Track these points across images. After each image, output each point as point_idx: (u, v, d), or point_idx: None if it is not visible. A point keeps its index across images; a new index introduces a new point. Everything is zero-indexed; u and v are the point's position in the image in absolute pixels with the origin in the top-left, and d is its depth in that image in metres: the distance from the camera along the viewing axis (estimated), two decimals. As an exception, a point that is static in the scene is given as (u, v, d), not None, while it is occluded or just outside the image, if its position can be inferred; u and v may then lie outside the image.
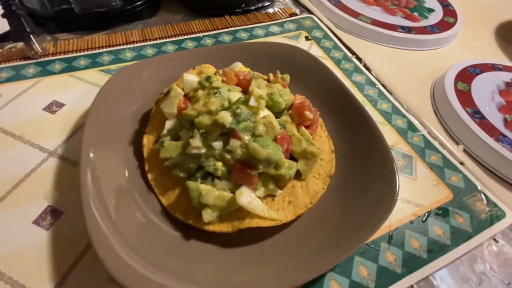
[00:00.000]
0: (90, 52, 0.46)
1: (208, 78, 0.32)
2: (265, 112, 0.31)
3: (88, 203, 0.26)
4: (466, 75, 0.50)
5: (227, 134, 0.29)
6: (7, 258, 0.27)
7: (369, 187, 0.31)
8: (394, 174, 0.30)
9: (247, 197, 0.27)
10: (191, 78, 0.32)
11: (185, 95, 0.33)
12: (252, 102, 0.30)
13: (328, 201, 0.31)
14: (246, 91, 0.33)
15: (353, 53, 0.53)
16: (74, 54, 0.45)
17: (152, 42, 0.49)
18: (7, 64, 0.42)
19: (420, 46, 0.58)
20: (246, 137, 0.28)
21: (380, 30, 0.58)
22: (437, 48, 0.59)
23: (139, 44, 0.48)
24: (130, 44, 0.48)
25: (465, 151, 0.42)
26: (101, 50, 0.46)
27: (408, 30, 0.59)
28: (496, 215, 0.34)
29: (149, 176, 0.31)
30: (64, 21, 0.50)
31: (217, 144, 0.28)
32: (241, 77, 0.33)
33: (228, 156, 0.28)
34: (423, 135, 0.41)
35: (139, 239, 0.26)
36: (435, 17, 0.64)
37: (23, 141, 0.35)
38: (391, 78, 0.50)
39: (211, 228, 0.27)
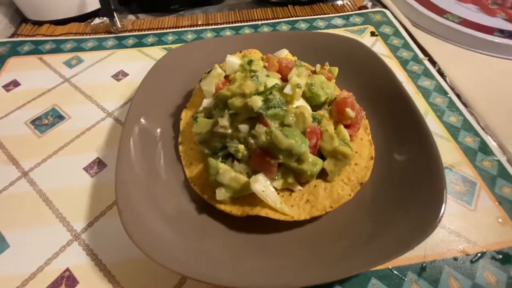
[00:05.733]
0: (158, 31, 0.51)
1: (250, 62, 0.32)
2: (300, 103, 0.29)
3: (121, 163, 0.29)
4: None
5: (256, 119, 0.28)
6: (58, 192, 0.32)
7: (407, 206, 0.27)
8: (442, 197, 0.25)
9: (262, 185, 0.26)
10: (233, 60, 0.33)
11: (226, 77, 0.34)
12: (287, 90, 0.28)
13: (357, 210, 0.28)
14: (285, 79, 0.31)
15: (426, 54, 0.46)
16: (145, 32, 0.50)
17: (212, 27, 0.51)
18: (94, 36, 0.50)
19: (521, 55, 0.47)
20: (274, 125, 0.27)
21: (470, 31, 0.49)
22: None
23: (200, 28, 0.51)
24: (193, 27, 0.52)
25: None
26: (167, 31, 0.51)
27: (509, 35, 0.48)
28: None
29: (180, 147, 0.32)
30: (145, 2, 0.56)
31: (243, 127, 0.28)
32: (283, 64, 0.32)
33: (252, 141, 0.27)
34: (498, 160, 0.33)
35: (158, 200, 0.28)
36: (554, 21, 0.50)
37: (91, 100, 0.41)
38: (472, 89, 0.42)
39: (222, 207, 0.27)
